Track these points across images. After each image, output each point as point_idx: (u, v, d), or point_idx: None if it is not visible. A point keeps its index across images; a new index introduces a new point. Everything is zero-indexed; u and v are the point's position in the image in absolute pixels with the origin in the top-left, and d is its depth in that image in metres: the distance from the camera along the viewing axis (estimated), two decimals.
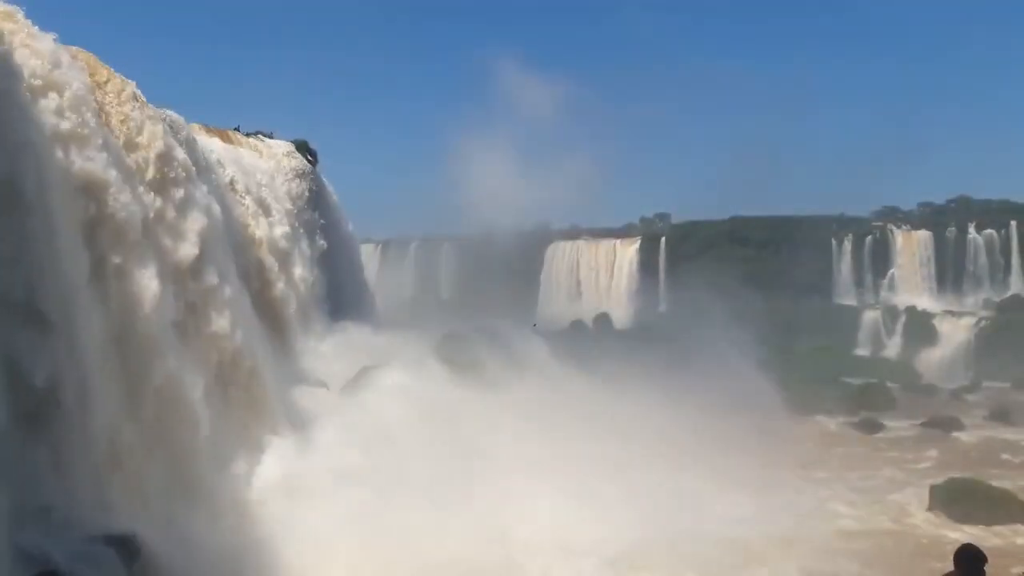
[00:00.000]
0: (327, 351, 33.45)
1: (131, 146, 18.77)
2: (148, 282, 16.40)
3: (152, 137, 19.41)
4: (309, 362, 31.36)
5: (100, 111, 17.60)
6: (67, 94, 15.35)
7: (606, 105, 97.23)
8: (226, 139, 32.88)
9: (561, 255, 72.68)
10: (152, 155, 19.16)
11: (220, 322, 20.74)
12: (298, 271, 32.64)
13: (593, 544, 20.05)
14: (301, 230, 34.90)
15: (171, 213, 19.37)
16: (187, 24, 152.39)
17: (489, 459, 22.62)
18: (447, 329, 39.10)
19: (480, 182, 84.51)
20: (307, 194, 37.31)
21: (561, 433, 25.71)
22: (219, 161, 29.31)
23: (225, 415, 20.01)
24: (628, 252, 70.76)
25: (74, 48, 18.30)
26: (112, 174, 16.00)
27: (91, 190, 15.50)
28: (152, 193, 18.74)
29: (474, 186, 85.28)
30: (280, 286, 30.97)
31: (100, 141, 16.03)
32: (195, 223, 19.93)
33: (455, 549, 18.22)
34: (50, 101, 14.93)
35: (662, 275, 68.97)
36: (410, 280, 75.15)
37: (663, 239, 70.94)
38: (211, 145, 29.85)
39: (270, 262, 30.77)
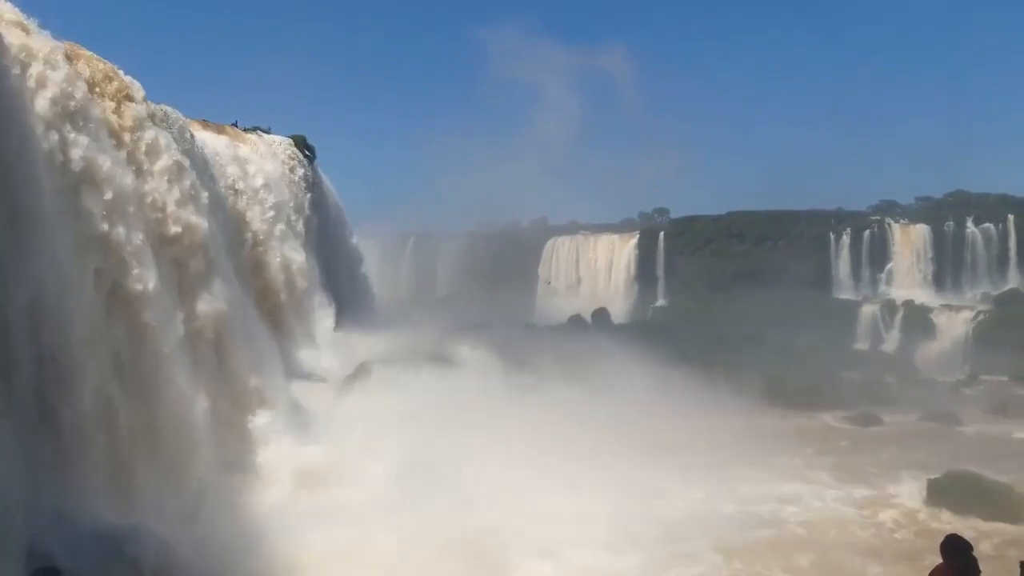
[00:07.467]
0: (325, 346, 33.44)
1: None
2: None
3: None
4: (306, 356, 31.34)
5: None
6: None
7: (605, 103, 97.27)
8: (224, 134, 32.87)
9: (560, 250, 72.68)
10: None
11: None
12: (296, 265, 32.63)
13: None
14: (299, 225, 34.90)
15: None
16: (186, 20, 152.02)
17: None
18: (443, 325, 38.85)
19: (478, 177, 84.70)
20: (305, 189, 37.33)
21: None
22: (217, 155, 29.39)
23: (218, 406, 20.16)
24: (626, 247, 70.72)
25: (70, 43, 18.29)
26: None
27: None
28: None
29: (473, 181, 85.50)
30: (277, 280, 30.99)
31: None
32: None
33: None
34: None
35: (660, 270, 69.05)
36: (408, 276, 75.09)
37: (661, 234, 70.94)
38: (209, 140, 29.87)
39: (268, 256, 30.79)
